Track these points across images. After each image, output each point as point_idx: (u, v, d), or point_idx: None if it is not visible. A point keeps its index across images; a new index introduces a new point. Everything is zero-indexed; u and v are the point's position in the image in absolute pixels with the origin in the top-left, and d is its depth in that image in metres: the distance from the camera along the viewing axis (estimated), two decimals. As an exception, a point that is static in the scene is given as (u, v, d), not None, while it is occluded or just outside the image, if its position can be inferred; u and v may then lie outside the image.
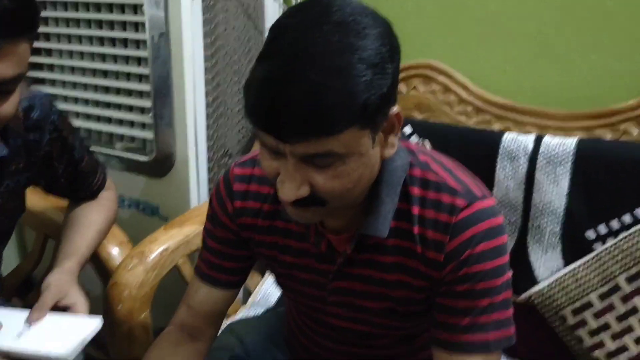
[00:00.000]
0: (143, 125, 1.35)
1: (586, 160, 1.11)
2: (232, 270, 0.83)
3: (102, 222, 1.01)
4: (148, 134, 1.33)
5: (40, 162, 0.89)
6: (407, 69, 1.30)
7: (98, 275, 1.09)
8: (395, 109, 0.61)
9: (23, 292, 1.31)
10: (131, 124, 1.37)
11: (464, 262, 0.66)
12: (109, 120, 1.39)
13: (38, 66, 1.44)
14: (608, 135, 1.16)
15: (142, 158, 1.34)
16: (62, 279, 0.86)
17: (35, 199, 1.14)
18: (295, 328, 0.89)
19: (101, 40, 1.34)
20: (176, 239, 1.10)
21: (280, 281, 0.82)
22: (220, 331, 1.00)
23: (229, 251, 0.81)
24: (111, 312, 0.99)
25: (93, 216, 1.01)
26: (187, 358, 0.81)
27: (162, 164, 1.32)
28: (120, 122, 1.37)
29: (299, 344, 0.88)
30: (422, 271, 0.69)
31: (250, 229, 0.78)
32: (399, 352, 0.81)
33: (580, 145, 1.12)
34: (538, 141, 1.15)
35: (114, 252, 1.07)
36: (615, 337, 1.02)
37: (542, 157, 1.13)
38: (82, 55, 1.38)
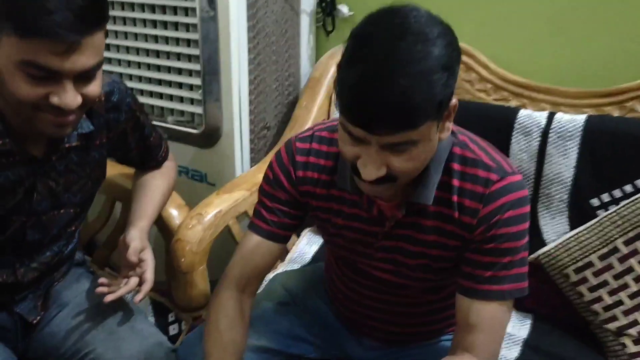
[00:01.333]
0: (192, 101, 1.49)
1: (594, 135, 1.22)
2: (283, 225, 0.94)
3: (165, 188, 1.17)
4: (197, 109, 1.47)
5: (117, 138, 1.05)
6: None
7: (160, 232, 1.26)
8: (454, 100, 0.74)
9: (88, 250, 1.49)
10: (181, 99, 1.51)
11: (493, 225, 0.80)
12: (160, 95, 1.54)
13: (96, 46, 1.58)
14: (616, 112, 1.26)
15: (192, 130, 1.49)
16: (141, 236, 1.03)
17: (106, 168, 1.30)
18: (337, 279, 1.03)
19: (154, 24, 1.46)
20: (227, 203, 1.26)
21: (331, 240, 0.96)
22: (267, 281, 1.17)
23: (284, 209, 0.93)
24: (175, 264, 1.16)
25: (158, 182, 1.17)
26: (241, 309, 0.93)
27: (210, 135, 1.47)
28: (171, 97, 1.52)
29: (340, 292, 1.03)
30: (457, 233, 0.83)
31: (309, 195, 0.92)
32: (428, 299, 0.96)
33: (589, 121, 1.23)
34: (550, 117, 1.26)
35: (174, 213, 1.24)
36: (612, 292, 1.13)
37: (554, 132, 1.25)
38: (136, 36, 1.51)
